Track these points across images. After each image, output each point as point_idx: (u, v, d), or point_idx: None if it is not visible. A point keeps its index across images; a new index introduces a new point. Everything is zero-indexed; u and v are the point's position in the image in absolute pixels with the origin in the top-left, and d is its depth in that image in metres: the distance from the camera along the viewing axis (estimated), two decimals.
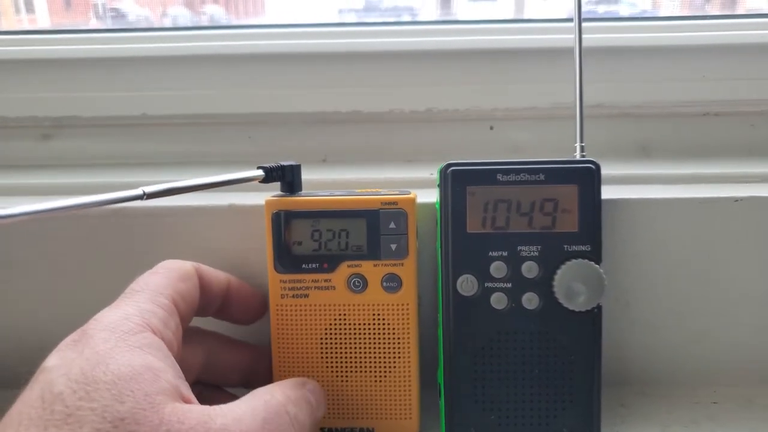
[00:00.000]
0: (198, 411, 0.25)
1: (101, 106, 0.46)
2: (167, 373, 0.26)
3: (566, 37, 0.39)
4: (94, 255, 0.40)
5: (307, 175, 0.36)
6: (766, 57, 0.44)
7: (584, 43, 0.37)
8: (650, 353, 0.41)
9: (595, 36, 0.43)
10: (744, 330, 0.40)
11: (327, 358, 0.35)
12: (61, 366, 0.25)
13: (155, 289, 0.30)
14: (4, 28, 0.59)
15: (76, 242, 0.40)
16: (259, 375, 0.36)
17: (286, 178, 0.34)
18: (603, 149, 0.41)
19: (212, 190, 0.35)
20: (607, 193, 0.36)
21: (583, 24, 0.37)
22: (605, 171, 0.34)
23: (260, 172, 0.33)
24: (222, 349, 0.36)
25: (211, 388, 0.36)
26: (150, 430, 0.23)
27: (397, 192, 0.35)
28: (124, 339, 0.26)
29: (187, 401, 0.26)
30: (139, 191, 0.27)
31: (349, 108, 0.46)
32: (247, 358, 0.36)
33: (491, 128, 0.46)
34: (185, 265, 0.32)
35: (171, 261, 0.32)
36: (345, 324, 0.34)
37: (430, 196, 0.37)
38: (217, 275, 0.34)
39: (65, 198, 0.27)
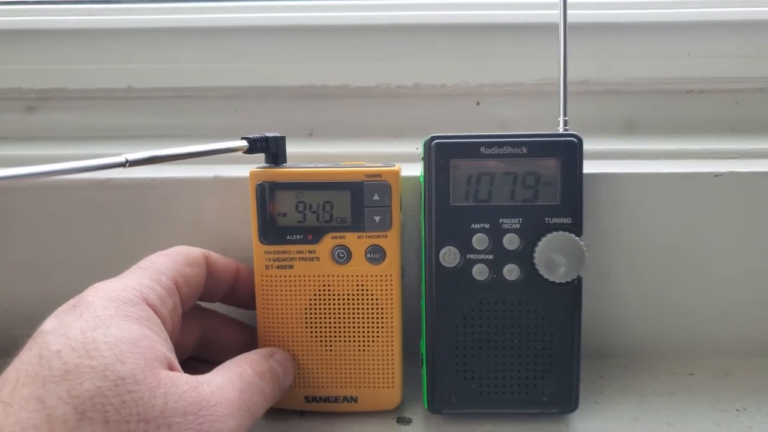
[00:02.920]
0: (187, 378, 0.26)
1: (86, 79, 0.46)
2: (161, 344, 0.27)
3: (553, 13, 0.39)
4: (81, 227, 0.40)
5: (293, 149, 0.36)
6: (750, 34, 0.44)
7: (571, 19, 0.37)
8: (630, 326, 0.41)
9: (581, 12, 0.43)
10: (722, 303, 0.41)
11: (311, 328, 0.35)
12: (59, 327, 0.25)
13: (159, 269, 0.30)
14: None
15: (62, 214, 0.40)
16: None
17: (271, 149, 0.34)
18: (588, 125, 0.42)
19: (197, 161, 0.35)
20: (591, 167, 0.37)
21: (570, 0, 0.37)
22: (591, 147, 0.35)
23: (244, 143, 0.33)
24: (219, 328, 0.36)
25: (201, 363, 0.36)
26: (149, 390, 0.24)
27: (381, 165, 0.35)
28: (122, 308, 0.27)
29: (176, 371, 0.27)
30: (121, 158, 0.27)
31: (336, 82, 0.46)
32: (244, 338, 0.37)
33: (478, 104, 0.46)
34: (194, 251, 0.33)
35: (182, 246, 0.33)
36: (329, 295, 0.35)
37: (415, 170, 0.37)
38: (226, 263, 0.35)
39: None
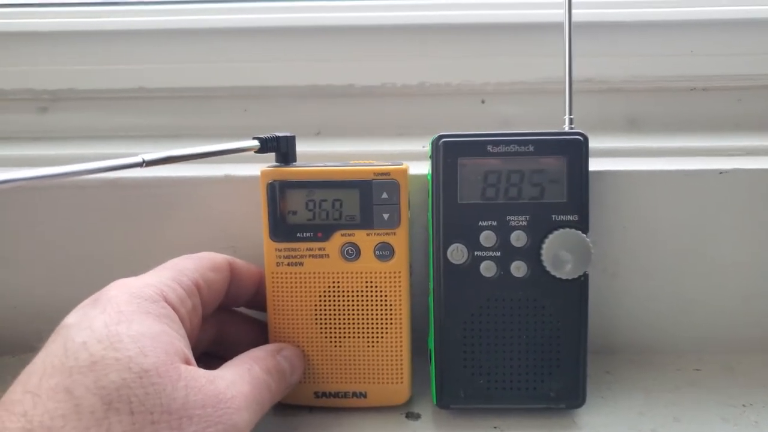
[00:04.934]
0: (204, 372, 0.27)
1: (98, 79, 0.47)
2: (179, 340, 0.28)
3: (557, 12, 0.39)
4: (93, 225, 0.40)
5: (301, 148, 0.37)
6: (752, 32, 0.44)
7: (575, 18, 0.37)
8: (637, 322, 0.42)
9: (585, 11, 0.44)
10: (728, 299, 0.41)
11: (321, 324, 0.36)
12: (82, 321, 0.26)
13: (181, 270, 0.31)
14: None
15: (75, 213, 0.40)
16: None
17: (281, 148, 0.35)
18: (592, 123, 0.42)
19: (209, 160, 0.36)
20: (596, 165, 0.37)
21: None
22: (595, 144, 0.35)
23: (256, 143, 0.33)
24: (234, 325, 0.37)
25: (211, 358, 0.37)
26: (171, 383, 0.25)
27: (390, 163, 0.35)
28: (143, 305, 0.27)
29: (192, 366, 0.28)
30: (138, 159, 0.27)
31: (342, 82, 0.46)
32: (256, 334, 0.37)
33: (483, 102, 0.47)
34: (218, 257, 0.34)
35: (208, 252, 0.34)
36: (338, 291, 0.35)
37: (421, 168, 0.38)
38: (250, 270, 0.36)
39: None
